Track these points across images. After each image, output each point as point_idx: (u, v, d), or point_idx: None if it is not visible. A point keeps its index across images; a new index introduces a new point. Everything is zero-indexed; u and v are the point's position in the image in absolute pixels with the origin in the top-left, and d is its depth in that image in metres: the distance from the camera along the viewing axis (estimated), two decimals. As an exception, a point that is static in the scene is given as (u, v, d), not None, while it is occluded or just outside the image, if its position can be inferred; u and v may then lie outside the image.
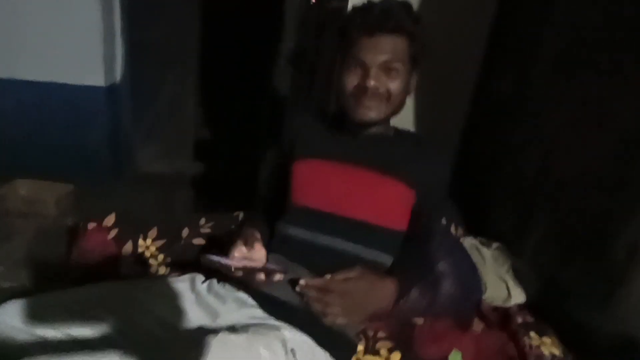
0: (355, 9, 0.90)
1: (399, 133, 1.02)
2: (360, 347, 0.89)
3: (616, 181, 0.90)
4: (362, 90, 0.87)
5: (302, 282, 0.78)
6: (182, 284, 0.82)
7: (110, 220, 1.11)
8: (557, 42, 1.11)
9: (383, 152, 0.94)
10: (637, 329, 0.84)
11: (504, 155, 1.29)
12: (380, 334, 0.93)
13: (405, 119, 1.43)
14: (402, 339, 0.92)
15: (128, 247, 1.08)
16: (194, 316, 0.76)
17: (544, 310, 1.03)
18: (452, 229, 1.31)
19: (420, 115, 1.47)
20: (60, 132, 2.30)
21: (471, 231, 1.31)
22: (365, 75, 0.86)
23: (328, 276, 0.79)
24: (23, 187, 2.24)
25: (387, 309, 0.85)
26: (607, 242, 0.91)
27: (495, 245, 1.20)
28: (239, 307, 0.78)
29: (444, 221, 1.29)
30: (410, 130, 1.03)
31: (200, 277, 0.84)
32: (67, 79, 2.18)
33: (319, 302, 0.77)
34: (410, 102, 1.42)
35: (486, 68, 1.39)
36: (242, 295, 0.80)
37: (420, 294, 1.01)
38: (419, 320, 0.99)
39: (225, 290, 0.81)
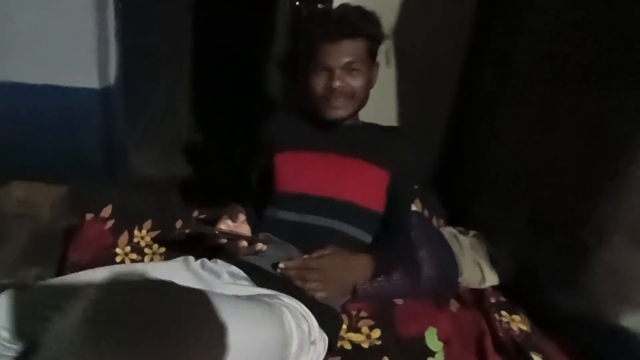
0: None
1: (367, 125, 1.10)
2: (344, 326, 0.96)
3: (581, 174, 0.97)
4: (328, 91, 0.96)
5: (281, 265, 0.84)
6: (176, 264, 0.88)
7: (107, 212, 1.17)
8: (532, 43, 1.20)
9: (356, 141, 1.03)
10: (599, 304, 0.92)
11: (484, 149, 1.37)
12: (363, 314, 1.00)
13: (392, 114, 1.52)
14: (383, 318, 0.98)
15: (124, 237, 1.13)
16: None
17: (515, 291, 1.11)
18: (434, 220, 1.38)
19: (406, 110, 1.54)
20: (54, 134, 2.32)
21: (452, 221, 1.39)
22: (330, 77, 0.95)
23: (305, 257, 0.86)
24: (18, 189, 2.27)
25: (364, 282, 0.93)
26: (574, 228, 0.98)
27: (472, 233, 1.28)
28: (234, 280, 0.84)
29: (423, 211, 1.37)
30: (381, 124, 1.11)
31: (192, 258, 0.90)
32: (60, 81, 2.22)
33: (299, 279, 0.84)
34: (396, 99, 1.50)
35: (468, 67, 1.47)
36: (235, 269, 0.86)
37: (402, 277, 1.09)
38: (400, 301, 1.05)
39: (219, 266, 0.87)
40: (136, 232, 1.17)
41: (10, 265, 1.73)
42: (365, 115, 1.09)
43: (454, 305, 1.06)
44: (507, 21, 1.32)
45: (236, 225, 0.88)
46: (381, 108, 1.35)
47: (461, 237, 1.25)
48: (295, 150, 1.05)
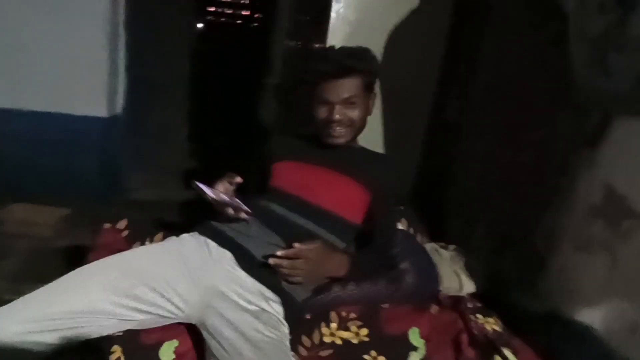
0: (313, 58, 1.17)
1: (362, 148, 1.26)
2: (334, 324, 1.07)
3: (531, 188, 1.14)
4: (329, 122, 1.11)
5: (279, 252, 0.95)
6: (189, 240, 1.05)
7: (122, 224, 1.29)
8: (485, 79, 1.40)
9: (347, 160, 1.17)
10: (556, 304, 1.06)
11: (453, 171, 1.54)
12: (352, 315, 1.11)
13: (374, 143, 1.69)
14: (370, 318, 1.10)
15: (137, 245, 1.25)
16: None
17: (489, 298, 1.24)
18: (419, 237, 1.52)
19: (385, 138, 1.72)
20: (63, 159, 2.45)
21: (434, 238, 1.53)
22: (331, 110, 1.10)
23: (297, 245, 0.96)
24: (21, 211, 2.36)
25: (338, 276, 1.06)
26: (530, 239, 1.14)
27: (452, 247, 1.42)
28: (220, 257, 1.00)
29: (409, 229, 1.51)
30: (373, 150, 1.28)
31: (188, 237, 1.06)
32: (72, 110, 2.36)
33: (288, 267, 0.95)
34: (378, 129, 1.68)
35: (437, 99, 1.67)
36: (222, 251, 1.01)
37: (386, 285, 1.22)
38: (385, 305, 1.17)
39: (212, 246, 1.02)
40: (147, 242, 1.28)
41: (12, 280, 1.80)
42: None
43: (434, 309, 1.18)
44: (466, 61, 1.53)
45: (231, 187, 1.05)
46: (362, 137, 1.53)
47: (442, 251, 1.39)
48: (292, 160, 1.20)
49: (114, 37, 2.39)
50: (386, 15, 1.59)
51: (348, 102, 1.10)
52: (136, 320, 0.92)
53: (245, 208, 0.99)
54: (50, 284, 0.91)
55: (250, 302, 0.96)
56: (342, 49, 1.15)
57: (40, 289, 0.90)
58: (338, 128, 1.12)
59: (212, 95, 3.52)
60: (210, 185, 1.03)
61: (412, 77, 1.64)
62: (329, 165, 1.16)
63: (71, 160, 2.47)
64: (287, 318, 0.98)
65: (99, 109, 2.42)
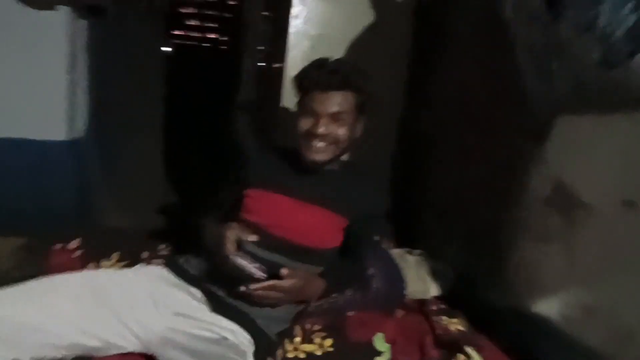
0: (310, 65, 1.05)
1: (344, 165, 1.17)
2: (298, 338, 1.04)
3: (491, 185, 1.17)
4: (312, 135, 1.01)
5: (253, 286, 0.91)
6: (153, 273, 1.01)
7: (74, 243, 1.23)
8: (448, 86, 1.45)
9: (323, 187, 1.09)
10: (518, 297, 1.07)
11: (426, 180, 1.57)
12: (316, 327, 1.08)
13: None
14: (335, 328, 1.07)
15: (91, 266, 1.19)
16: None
17: (454, 299, 1.24)
18: (384, 244, 1.53)
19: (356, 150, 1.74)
20: (21, 186, 2.35)
21: (401, 244, 1.53)
22: (316, 122, 1.00)
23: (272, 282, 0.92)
24: (-6, 245, 2.24)
25: (313, 299, 1.05)
26: (491, 232, 1.16)
27: (417, 252, 1.42)
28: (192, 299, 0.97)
29: (377, 237, 1.52)
30: (352, 161, 1.21)
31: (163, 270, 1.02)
32: (28, 134, 2.29)
33: (264, 297, 0.93)
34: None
35: (406, 109, 1.71)
36: (194, 290, 0.98)
37: (354, 292, 1.20)
38: (351, 312, 1.15)
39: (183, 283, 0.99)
40: (104, 262, 1.23)
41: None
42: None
43: (399, 313, 1.17)
44: (430, 69, 1.59)
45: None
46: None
47: (407, 256, 1.39)
48: (265, 188, 1.10)
49: (73, 60, 2.35)
50: (348, 29, 1.59)
51: (336, 117, 1.01)
52: (90, 346, 0.86)
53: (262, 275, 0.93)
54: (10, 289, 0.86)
55: (213, 333, 0.93)
56: (341, 60, 1.08)
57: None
58: (320, 143, 1.02)
59: (181, 117, 3.48)
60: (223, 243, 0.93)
61: (378, 89, 1.67)
62: (303, 195, 1.08)
63: (31, 186, 2.38)
64: (257, 354, 0.94)
65: (58, 133, 2.35)
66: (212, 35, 4.39)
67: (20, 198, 2.30)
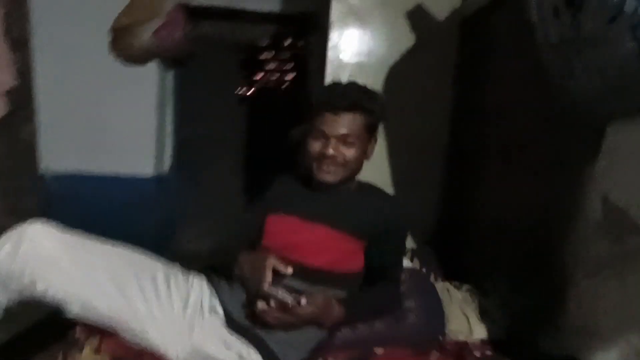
0: (322, 88, 1.11)
1: (361, 187, 1.14)
2: (318, 371, 0.99)
3: (542, 214, 1.00)
4: (321, 156, 1.02)
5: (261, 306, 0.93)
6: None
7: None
8: (493, 105, 1.31)
9: (340, 210, 1.07)
10: (578, 346, 0.87)
11: (471, 206, 1.41)
12: (339, 361, 1.02)
13: (385, 179, 1.63)
14: (359, 366, 1.00)
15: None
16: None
17: (505, 345, 1.06)
18: (432, 277, 1.40)
19: (404, 179, 1.66)
20: (118, 215, 2.69)
21: (450, 277, 1.39)
22: (326, 144, 1.01)
23: (303, 302, 0.92)
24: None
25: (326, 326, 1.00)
26: (546, 269, 0.98)
27: (465, 287, 1.27)
28: (212, 314, 1.01)
29: (421, 269, 1.40)
30: (371, 183, 1.17)
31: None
32: (125, 171, 2.64)
33: (278, 319, 0.92)
34: (397, 171, 1.63)
35: (453, 128, 1.60)
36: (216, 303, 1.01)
37: (385, 325, 1.11)
38: (380, 350, 1.06)
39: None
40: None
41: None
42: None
43: (434, 355, 1.04)
44: (475, 88, 1.47)
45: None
46: (380, 177, 1.49)
47: (454, 291, 1.25)
48: (284, 214, 1.10)
49: (162, 104, 2.70)
50: (387, 54, 1.56)
51: (345, 139, 1.02)
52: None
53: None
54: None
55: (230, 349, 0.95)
56: (352, 83, 1.08)
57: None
58: (330, 165, 1.03)
59: (259, 152, 3.74)
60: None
61: (424, 115, 1.60)
62: (321, 219, 1.06)
63: (128, 217, 2.71)
64: None
65: (148, 169, 2.67)
66: (289, 77, 4.69)
67: (114, 226, 2.63)
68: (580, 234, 0.85)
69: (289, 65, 4.54)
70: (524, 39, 1.10)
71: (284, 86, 4.68)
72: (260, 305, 0.92)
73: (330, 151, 1.01)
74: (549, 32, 0.74)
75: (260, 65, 4.50)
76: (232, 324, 0.99)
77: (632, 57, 0.59)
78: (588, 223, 0.82)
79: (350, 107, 1.00)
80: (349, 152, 1.03)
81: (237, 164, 3.69)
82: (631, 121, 0.74)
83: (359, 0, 1.50)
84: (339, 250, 1.06)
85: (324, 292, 1.00)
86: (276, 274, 0.95)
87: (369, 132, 1.06)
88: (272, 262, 0.95)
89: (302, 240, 1.06)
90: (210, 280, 1.09)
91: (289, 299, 0.91)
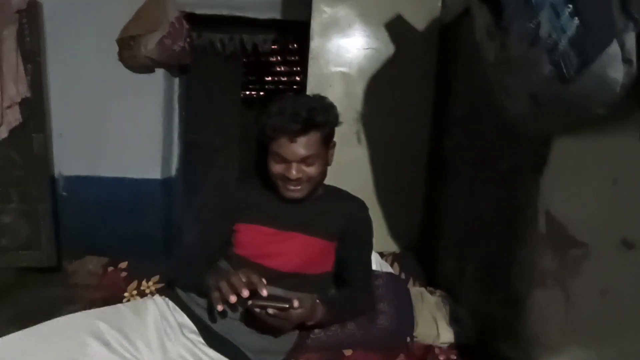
0: (269, 112, 1.01)
1: (327, 191, 1.17)
2: (286, 376, 1.04)
3: (504, 223, 1.02)
4: (285, 179, 1.03)
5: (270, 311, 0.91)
6: (144, 306, 1.06)
7: (124, 264, 1.46)
8: (462, 114, 1.32)
9: (311, 217, 1.10)
10: (534, 353, 0.89)
11: (446, 213, 1.44)
12: (310, 364, 1.07)
13: (378, 191, 1.66)
14: (329, 367, 1.04)
15: (133, 285, 1.39)
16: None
17: (470, 351, 1.09)
18: (411, 282, 1.43)
19: (388, 186, 1.68)
20: (125, 217, 2.82)
21: (429, 282, 1.42)
22: (288, 168, 1.01)
23: (295, 304, 0.91)
24: (90, 263, 2.73)
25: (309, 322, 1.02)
26: (507, 276, 1.01)
27: (439, 292, 1.30)
28: (185, 332, 1.03)
29: (400, 274, 1.43)
30: (335, 187, 1.20)
31: (159, 302, 1.09)
32: (132, 174, 2.75)
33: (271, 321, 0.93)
34: (381, 178, 1.65)
35: (433, 138, 1.62)
36: (187, 322, 1.04)
37: (356, 327, 1.16)
38: (348, 352, 1.10)
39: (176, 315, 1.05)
40: (144, 282, 1.41)
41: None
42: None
43: (400, 358, 1.07)
44: (452, 95, 1.48)
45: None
46: (363, 184, 1.51)
47: (427, 296, 1.28)
48: (255, 223, 1.11)
49: (168, 110, 2.80)
50: (367, 63, 1.58)
51: (306, 160, 1.01)
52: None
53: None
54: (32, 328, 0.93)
55: None
56: (300, 98, 1.07)
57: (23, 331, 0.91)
58: (295, 186, 1.04)
59: (264, 154, 3.80)
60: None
61: (405, 123, 1.63)
62: (293, 228, 1.10)
63: (135, 218, 2.83)
64: None
65: (155, 172, 2.78)
66: (297, 78, 4.74)
67: (123, 226, 2.76)
68: (529, 245, 0.87)
69: (295, 68, 4.60)
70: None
71: (291, 88, 4.76)
72: (259, 303, 0.90)
73: (293, 174, 1.00)
74: (488, 52, 0.76)
75: (266, 69, 4.58)
76: (208, 335, 1.02)
77: (552, 79, 0.62)
78: (536, 234, 0.84)
79: (306, 129, 0.98)
80: (311, 170, 1.03)
81: (241, 168, 3.78)
82: (576, 134, 0.76)
83: (340, 11, 1.54)
84: (312, 254, 1.10)
85: (295, 296, 1.00)
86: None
87: (327, 144, 1.06)
88: (254, 279, 0.90)
89: (277, 249, 1.09)
90: (172, 297, 1.10)
91: (282, 304, 0.90)
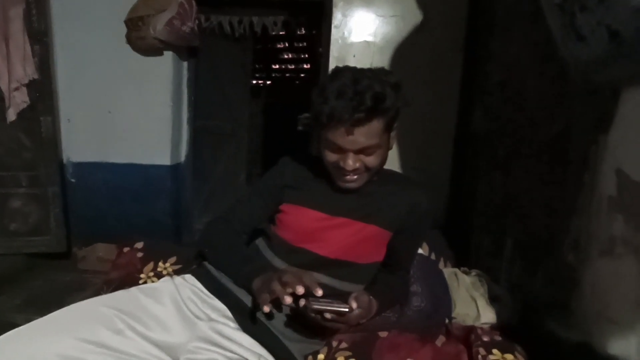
0: (325, 94, 0.85)
1: (385, 175, 1.02)
2: (322, 356, 0.97)
3: (554, 191, 0.95)
4: (341, 169, 0.90)
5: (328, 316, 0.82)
6: (166, 288, 0.98)
7: (140, 244, 1.39)
8: (499, 82, 1.24)
9: (363, 203, 0.98)
10: (591, 330, 0.82)
11: (479, 187, 1.36)
12: (343, 345, 1.00)
13: (404, 168, 1.59)
14: (362, 349, 0.97)
15: (150, 266, 1.32)
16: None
17: (516, 331, 1.02)
18: (442, 263, 1.36)
19: (415, 162, 1.61)
20: (134, 203, 2.77)
21: (461, 263, 1.35)
22: (344, 157, 0.88)
23: (354, 306, 0.84)
24: (100, 250, 2.69)
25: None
26: (558, 249, 0.93)
27: (474, 272, 1.22)
28: (218, 316, 0.94)
29: (430, 255, 1.36)
30: (394, 171, 1.09)
31: (183, 285, 0.99)
32: (141, 160, 2.69)
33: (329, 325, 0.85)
34: (406, 154, 1.57)
35: (462, 113, 1.53)
36: (221, 306, 0.95)
37: (392, 310, 1.09)
38: (383, 333, 1.04)
39: (206, 300, 0.96)
40: (160, 264, 1.35)
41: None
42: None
43: (440, 340, 1.01)
44: (481, 65, 1.39)
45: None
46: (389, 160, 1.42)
47: (462, 276, 1.21)
48: (303, 205, 1.01)
49: (177, 95, 2.73)
50: (393, 34, 1.50)
51: (365, 150, 0.88)
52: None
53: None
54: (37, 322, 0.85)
55: (235, 354, 0.87)
56: (364, 79, 0.85)
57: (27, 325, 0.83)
58: (352, 175, 0.92)
59: (267, 140, 3.74)
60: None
61: (432, 96, 1.54)
62: (342, 212, 0.98)
63: (144, 204, 2.77)
64: None
65: (164, 158, 2.71)
66: (305, 66, 4.66)
67: (133, 212, 2.71)
68: (589, 212, 0.79)
69: (304, 55, 4.51)
70: (529, 7, 1.04)
71: (298, 76, 4.67)
72: (315, 305, 0.81)
73: (350, 164, 0.88)
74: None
75: (275, 55, 4.50)
76: (243, 319, 0.93)
77: (634, 14, 0.54)
78: (600, 199, 0.77)
79: (367, 118, 0.84)
80: (371, 160, 0.90)
81: (251, 153, 3.71)
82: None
83: (364, -22, 1.46)
84: (364, 242, 0.99)
85: (341, 285, 0.96)
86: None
87: (389, 129, 0.91)
88: (306, 279, 0.82)
89: (324, 235, 0.98)
90: (199, 277, 1.02)
91: (339, 306, 0.81)
